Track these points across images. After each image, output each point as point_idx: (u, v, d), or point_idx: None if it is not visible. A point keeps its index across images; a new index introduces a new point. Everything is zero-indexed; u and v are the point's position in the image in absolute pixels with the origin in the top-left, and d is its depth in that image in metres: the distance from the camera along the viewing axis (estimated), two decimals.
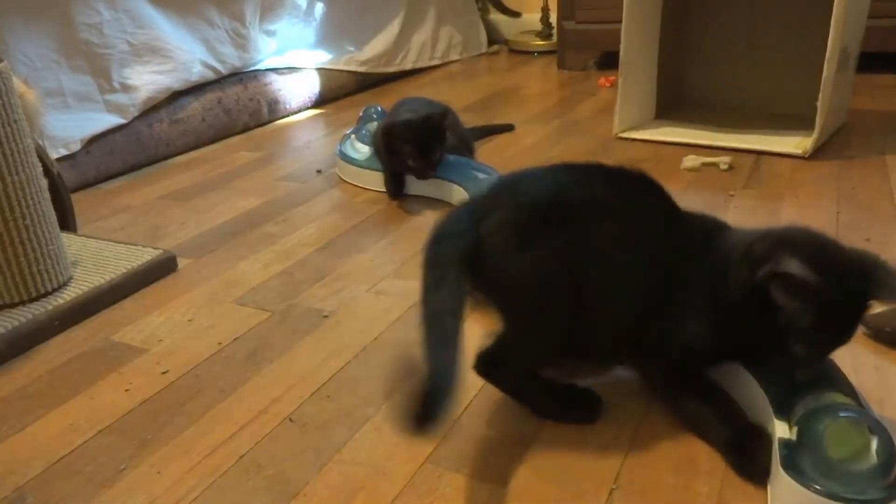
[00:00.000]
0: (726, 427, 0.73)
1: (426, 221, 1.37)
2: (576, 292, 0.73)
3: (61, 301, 1.06)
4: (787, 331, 0.68)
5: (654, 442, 0.76)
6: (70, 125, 1.61)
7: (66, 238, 1.20)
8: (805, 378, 0.70)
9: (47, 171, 1.15)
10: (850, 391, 0.70)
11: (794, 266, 0.65)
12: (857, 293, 0.68)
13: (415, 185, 1.49)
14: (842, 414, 0.62)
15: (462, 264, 0.73)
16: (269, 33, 2.13)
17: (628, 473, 0.71)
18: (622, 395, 0.83)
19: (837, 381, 0.72)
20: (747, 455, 0.70)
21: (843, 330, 0.70)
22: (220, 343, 0.99)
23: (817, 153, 1.56)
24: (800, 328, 0.68)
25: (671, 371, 0.77)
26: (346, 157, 1.60)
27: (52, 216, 1.10)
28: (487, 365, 0.80)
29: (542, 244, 0.73)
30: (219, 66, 1.97)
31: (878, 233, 1.19)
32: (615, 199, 0.77)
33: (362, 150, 1.60)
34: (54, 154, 1.54)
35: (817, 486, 0.60)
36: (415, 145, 1.39)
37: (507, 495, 0.69)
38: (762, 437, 0.69)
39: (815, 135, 1.54)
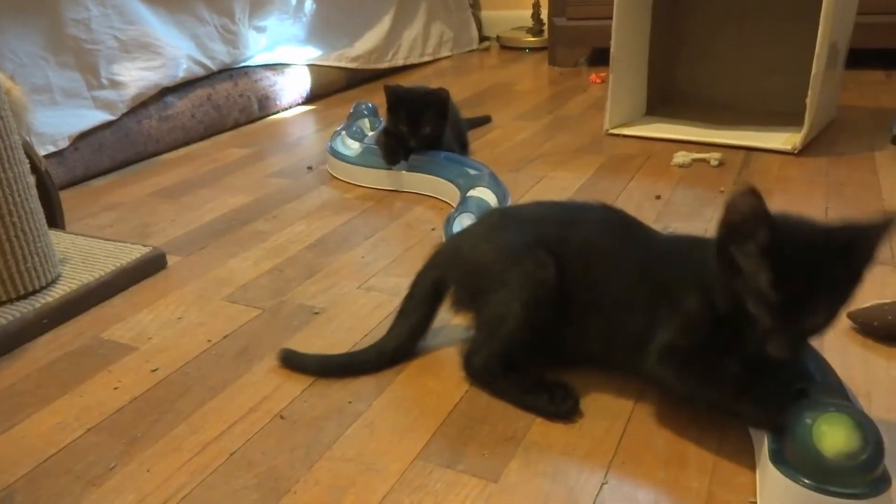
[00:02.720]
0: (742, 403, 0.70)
1: (417, 218, 1.37)
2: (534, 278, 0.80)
3: (49, 299, 1.05)
4: (752, 304, 0.65)
5: (645, 437, 0.76)
6: (58, 122, 1.60)
7: (55, 235, 1.19)
8: (778, 355, 0.65)
9: (35, 168, 1.14)
10: (838, 386, 0.71)
11: (745, 198, 0.63)
12: (827, 256, 0.63)
13: (406, 182, 1.49)
14: (830, 408, 0.63)
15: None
16: (259, 29, 2.12)
17: (619, 468, 0.72)
18: (612, 390, 0.83)
19: (826, 376, 0.72)
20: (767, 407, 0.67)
21: (813, 298, 0.63)
22: (209, 340, 0.98)
23: (806, 149, 1.57)
24: (757, 289, 0.64)
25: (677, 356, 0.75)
26: (336, 154, 1.60)
27: (40, 213, 1.09)
28: (466, 363, 0.85)
29: (509, 237, 0.84)
30: (208, 63, 1.96)
31: None
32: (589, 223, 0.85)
33: (353, 147, 1.60)
34: (42, 151, 1.53)
35: (806, 480, 0.61)
36: (410, 112, 1.44)
37: (498, 491, 0.70)
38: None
39: (804, 131, 1.55)
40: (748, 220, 0.64)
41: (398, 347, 0.90)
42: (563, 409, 0.79)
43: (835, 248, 0.63)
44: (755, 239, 0.64)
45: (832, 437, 0.61)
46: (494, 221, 0.92)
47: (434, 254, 0.93)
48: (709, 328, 0.72)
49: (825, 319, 0.66)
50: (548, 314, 0.81)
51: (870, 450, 0.60)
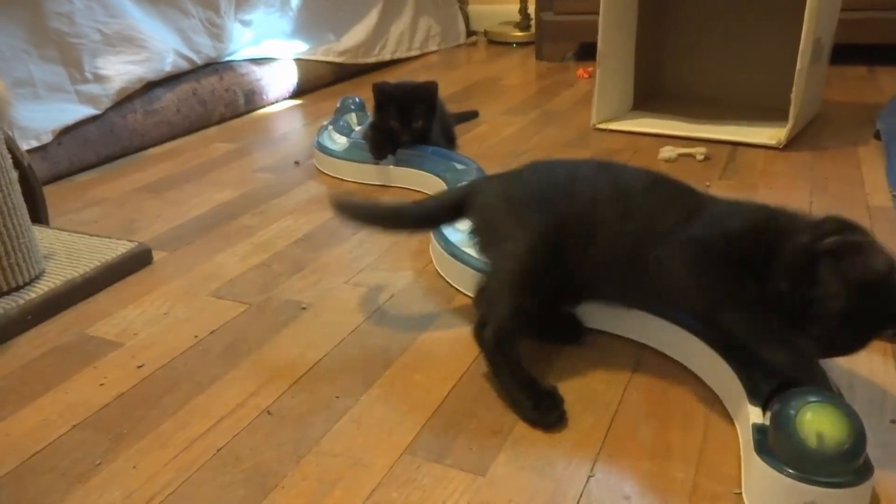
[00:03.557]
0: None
1: None
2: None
3: (33, 295, 1.04)
4: (810, 312, 0.67)
5: (631, 430, 0.76)
6: (41, 116, 1.58)
7: (38, 231, 1.18)
8: (794, 373, 0.69)
9: (17, 163, 1.13)
10: (822, 377, 0.71)
11: (869, 245, 0.65)
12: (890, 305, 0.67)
13: (393, 177, 1.49)
14: (813, 399, 0.63)
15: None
16: (245, 23, 2.11)
17: (605, 461, 0.72)
18: (599, 383, 0.84)
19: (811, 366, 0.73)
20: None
21: (861, 335, 0.68)
22: (196, 336, 0.98)
23: (791, 144, 1.58)
24: (827, 314, 0.66)
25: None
26: (323, 149, 1.59)
27: (23, 209, 1.08)
28: (477, 333, 0.85)
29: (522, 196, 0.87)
30: (193, 57, 1.94)
31: None
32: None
33: (340, 142, 1.59)
34: (25, 145, 1.51)
35: (790, 470, 0.61)
36: (401, 107, 1.43)
37: (486, 484, 0.70)
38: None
39: (788, 126, 1.56)
40: (866, 252, 0.65)
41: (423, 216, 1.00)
42: (545, 419, 0.77)
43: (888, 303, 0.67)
44: (858, 270, 0.65)
45: (815, 427, 0.61)
46: (517, 177, 0.92)
47: (463, 187, 0.98)
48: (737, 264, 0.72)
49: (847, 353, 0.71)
50: (550, 275, 0.82)
51: (852, 439, 0.61)
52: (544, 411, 0.77)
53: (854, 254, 0.65)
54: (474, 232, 0.92)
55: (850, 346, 0.70)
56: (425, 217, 1.01)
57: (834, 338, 0.68)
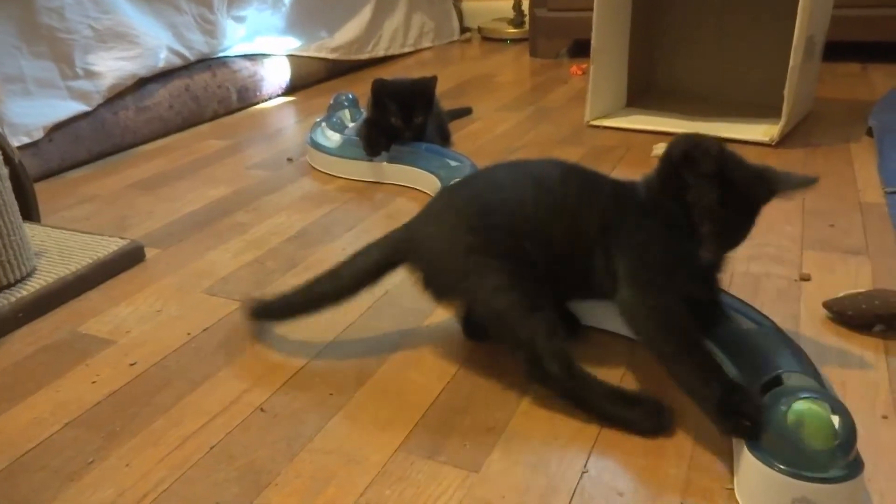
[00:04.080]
0: (713, 386, 0.69)
1: (398, 209, 1.36)
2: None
3: (25, 293, 1.04)
4: (699, 215, 0.76)
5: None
6: (32, 112, 1.57)
7: (30, 228, 1.17)
8: (709, 257, 0.77)
9: (8, 160, 1.12)
10: (813, 373, 0.72)
11: (702, 141, 0.75)
12: (755, 182, 0.78)
13: (387, 174, 1.48)
14: (805, 395, 0.64)
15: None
16: (238, 19, 2.10)
17: (599, 457, 0.72)
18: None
19: (802, 363, 0.74)
20: (737, 414, 0.67)
21: (746, 216, 0.79)
22: (189, 334, 0.98)
23: (784, 141, 1.59)
24: (706, 207, 0.76)
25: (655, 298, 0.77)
26: (317, 145, 1.59)
27: (14, 206, 1.07)
28: (536, 372, 0.78)
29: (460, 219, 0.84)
30: (186, 53, 1.93)
31: (842, 219, 1.22)
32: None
33: (333, 138, 1.59)
34: (15, 142, 1.50)
35: (781, 466, 0.62)
36: (400, 104, 1.43)
37: (480, 481, 0.70)
38: (749, 394, 0.68)
39: (781, 123, 1.56)
40: (705, 151, 0.75)
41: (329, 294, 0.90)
42: (663, 423, 0.75)
43: (760, 176, 0.79)
44: (707, 166, 0.76)
45: (807, 423, 0.62)
46: (445, 202, 0.88)
47: (392, 238, 0.89)
48: (664, 248, 0.78)
49: (742, 238, 0.80)
50: (540, 283, 0.80)
51: (843, 435, 0.61)
52: (657, 415, 0.75)
53: (697, 148, 0.76)
54: (426, 282, 0.85)
55: (741, 229, 0.79)
56: (345, 290, 0.89)
57: (727, 223, 0.77)
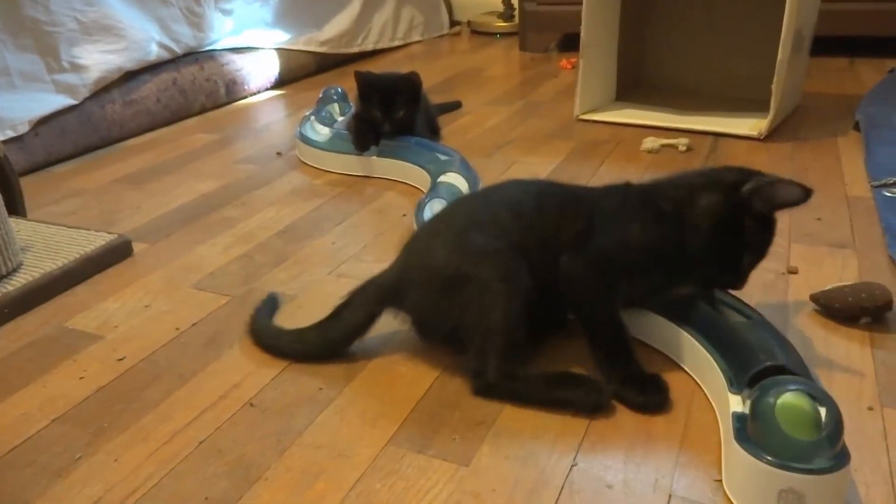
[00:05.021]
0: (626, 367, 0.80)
1: (387, 204, 1.36)
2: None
3: (11, 288, 1.03)
4: (745, 247, 0.81)
5: (613, 419, 0.77)
6: (17, 106, 1.55)
7: (15, 223, 1.16)
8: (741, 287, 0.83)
9: None
10: (800, 365, 0.72)
11: (778, 180, 0.79)
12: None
13: (376, 168, 1.48)
14: (792, 387, 0.64)
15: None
16: (225, 12, 2.08)
17: (588, 450, 0.73)
18: (582, 373, 0.84)
19: (789, 355, 0.74)
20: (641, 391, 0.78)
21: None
22: (177, 328, 0.97)
23: (772, 135, 1.60)
24: (758, 241, 0.81)
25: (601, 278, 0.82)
26: (306, 139, 1.58)
27: None
28: (479, 383, 0.81)
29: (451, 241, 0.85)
30: (173, 46, 1.92)
31: (829, 213, 1.23)
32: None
33: (322, 132, 1.58)
34: (0, 136, 1.48)
35: (769, 458, 0.62)
36: (383, 97, 1.42)
37: (469, 474, 0.70)
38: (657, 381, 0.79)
39: (769, 117, 1.57)
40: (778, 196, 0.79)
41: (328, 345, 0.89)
42: (598, 399, 0.77)
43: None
44: (766, 215, 0.81)
45: (794, 414, 0.62)
46: (429, 231, 0.90)
47: (374, 287, 0.89)
48: (652, 257, 0.81)
49: None
50: (528, 289, 0.81)
51: (830, 426, 0.62)
52: (596, 393, 0.78)
53: (768, 192, 0.79)
54: (419, 322, 0.87)
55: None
56: (331, 345, 0.89)
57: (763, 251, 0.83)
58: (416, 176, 1.40)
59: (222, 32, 2.08)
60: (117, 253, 1.17)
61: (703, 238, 0.80)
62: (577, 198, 0.88)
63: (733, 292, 0.87)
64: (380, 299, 0.87)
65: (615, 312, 0.82)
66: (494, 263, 0.80)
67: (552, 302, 0.84)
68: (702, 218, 0.80)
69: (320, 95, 1.77)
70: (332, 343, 0.88)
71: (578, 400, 0.78)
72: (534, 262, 0.82)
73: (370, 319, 0.88)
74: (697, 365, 0.81)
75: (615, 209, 0.84)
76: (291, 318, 0.98)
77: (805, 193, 0.77)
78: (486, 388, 0.80)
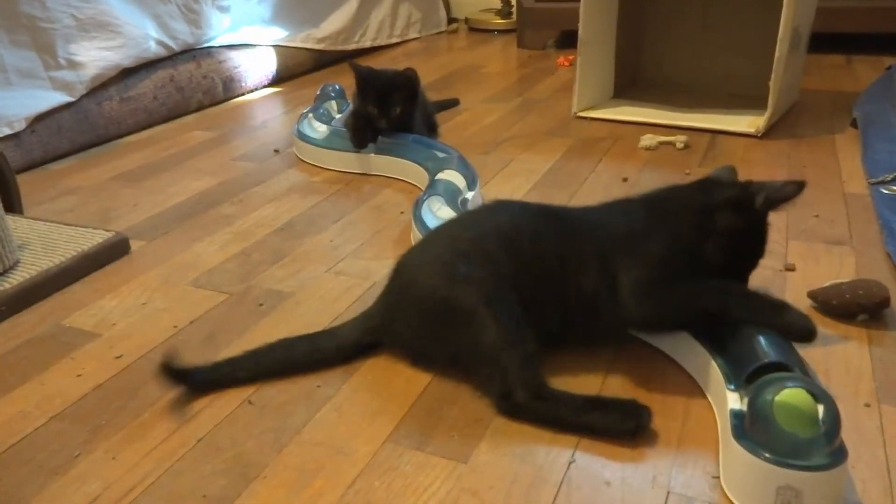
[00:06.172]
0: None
1: (386, 201, 1.36)
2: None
3: (7, 286, 1.02)
4: (752, 250, 0.86)
5: None
6: (13, 103, 1.55)
7: (12, 220, 1.16)
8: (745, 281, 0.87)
9: None
10: (798, 362, 0.72)
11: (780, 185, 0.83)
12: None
13: (374, 165, 1.48)
14: (790, 384, 0.64)
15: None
16: (223, 9, 2.07)
17: (586, 447, 0.73)
18: (580, 370, 0.84)
19: (787, 352, 0.74)
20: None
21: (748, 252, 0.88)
22: (175, 326, 0.97)
23: (769, 132, 1.60)
24: (761, 243, 0.86)
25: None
26: (303, 137, 1.58)
27: None
28: (507, 404, 0.78)
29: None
30: (170, 43, 1.91)
31: (827, 210, 1.23)
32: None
33: (320, 130, 1.58)
34: None
35: (766, 455, 0.62)
36: (380, 94, 1.42)
37: (468, 471, 0.70)
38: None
39: (767, 114, 1.57)
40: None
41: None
42: (642, 421, 0.74)
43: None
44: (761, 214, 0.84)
45: (792, 411, 0.62)
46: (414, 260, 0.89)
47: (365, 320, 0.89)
48: (680, 265, 0.82)
49: None
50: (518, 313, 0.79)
51: (827, 423, 0.62)
52: (635, 415, 0.74)
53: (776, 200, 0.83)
54: (414, 355, 0.86)
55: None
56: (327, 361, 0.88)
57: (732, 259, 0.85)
58: (414, 173, 1.40)
59: (220, 29, 2.08)
60: (114, 250, 1.16)
61: (722, 250, 0.83)
62: (574, 221, 0.88)
63: None
64: (367, 332, 0.88)
65: (705, 294, 0.80)
66: (477, 289, 0.79)
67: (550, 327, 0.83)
68: (724, 236, 0.83)
69: (318, 93, 1.77)
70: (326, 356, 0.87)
71: (615, 426, 0.74)
72: (526, 293, 0.81)
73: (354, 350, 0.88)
74: (695, 363, 0.81)
75: (643, 228, 0.84)
76: (288, 316, 0.98)
77: (800, 187, 0.82)
78: (515, 410, 0.76)
